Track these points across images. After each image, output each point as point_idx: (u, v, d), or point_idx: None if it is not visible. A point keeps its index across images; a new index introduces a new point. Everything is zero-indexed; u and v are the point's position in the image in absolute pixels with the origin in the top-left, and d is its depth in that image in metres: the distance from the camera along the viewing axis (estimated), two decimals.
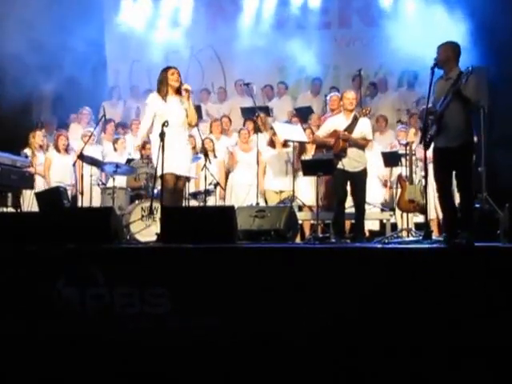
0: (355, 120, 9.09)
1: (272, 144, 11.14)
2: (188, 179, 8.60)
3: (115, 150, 11.97)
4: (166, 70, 8.48)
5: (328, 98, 11.33)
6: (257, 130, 11.14)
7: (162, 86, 8.42)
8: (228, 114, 13.05)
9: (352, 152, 9.07)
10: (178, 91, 8.44)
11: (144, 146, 11.04)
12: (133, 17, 14.92)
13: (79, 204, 10.82)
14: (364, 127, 9.18)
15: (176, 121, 8.26)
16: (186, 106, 8.36)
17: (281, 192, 10.99)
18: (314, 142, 10.23)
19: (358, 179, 9.07)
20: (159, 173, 8.09)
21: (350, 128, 9.08)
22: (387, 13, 13.88)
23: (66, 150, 11.58)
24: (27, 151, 11.14)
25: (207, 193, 10.36)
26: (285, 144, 10.95)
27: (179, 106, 8.35)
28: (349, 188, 9.16)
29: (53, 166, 11.36)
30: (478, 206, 8.40)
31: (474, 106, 7.24)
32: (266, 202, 10.99)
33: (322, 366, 5.65)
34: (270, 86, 13.79)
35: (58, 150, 11.49)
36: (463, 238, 6.79)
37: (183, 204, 9.25)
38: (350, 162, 9.03)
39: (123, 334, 6.03)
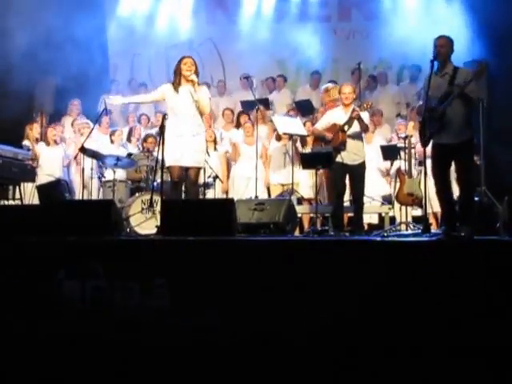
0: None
1: (278, 137, 11.16)
2: (199, 169, 8.50)
3: (112, 142, 11.99)
4: (180, 60, 8.44)
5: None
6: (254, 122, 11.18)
7: (175, 77, 8.42)
8: (232, 107, 13.02)
9: (351, 145, 9.06)
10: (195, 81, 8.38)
11: (146, 139, 11.11)
12: (133, 10, 14.93)
13: (78, 197, 10.86)
14: (364, 116, 9.12)
15: (186, 111, 8.28)
16: (196, 97, 8.32)
17: (282, 185, 11.02)
18: (312, 133, 10.23)
19: (357, 172, 9.07)
20: (167, 164, 8.17)
21: (350, 122, 9.06)
22: (387, 6, 13.87)
23: (56, 142, 11.57)
24: (27, 143, 11.15)
25: (206, 186, 10.39)
26: (291, 137, 10.97)
27: (190, 95, 8.29)
28: (347, 181, 9.18)
29: (41, 158, 11.29)
30: (476, 199, 8.41)
31: (475, 103, 7.25)
32: (270, 195, 11.03)
33: (321, 360, 5.68)
34: (271, 79, 13.77)
35: (47, 142, 11.48)
36: (463, 232, 6.82)
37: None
38: (348, 155, 9.03)
39: (123, 326, 6.05)
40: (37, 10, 11.41)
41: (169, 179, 9.60)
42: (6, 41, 11.37)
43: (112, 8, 15.00)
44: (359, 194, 9.11)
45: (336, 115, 9.29)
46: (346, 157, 9.00)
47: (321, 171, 10.07)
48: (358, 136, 9.12)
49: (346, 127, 9.02)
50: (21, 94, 11.81)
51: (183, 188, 8.53)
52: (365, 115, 9.19)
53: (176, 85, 8.36)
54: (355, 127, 9.07)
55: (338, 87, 10.87)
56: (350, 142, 9.04)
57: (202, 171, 9.76)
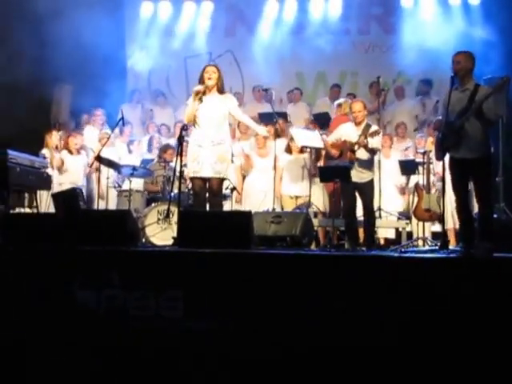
0: (365, 133, 9.01)
1: (289, 150, 11.13)
2: (221, 180, 8.34)
3: (130, 151, 11.99)
4: (203, 69, 8.35)
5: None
6: (276, 135, 11.11)
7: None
8: None
9: (359, 163, 9.05)
10: (219, 90, 8.31)
11: (165, 150, 11.10)
12: (153, 20, 14.98)
13: (96, 206, 10.85)
14: (373, 141, 9.08)
15: (207, 120, 8.19)
16: (225, 105, 8.26)
17: (296, 198, 10.98)
18: (324, 147, 10.15)
19: (365, 190, 9.08)
20: (188, 175, 8.14)
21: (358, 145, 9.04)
22: (406, 20, 13.84)
23: (79, 151, 11.59)
24: (45, 152, 11.17)
25: (223, 197, 10.34)
26: (301, 150, 10.95)
27: (213, 105, 8.20)
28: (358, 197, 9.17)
29: (65, 167, 11.31)
30: (495, 216, 8.35)
31: (492, 121, 7.20)
32: (282, 207, 10.98)
33: (333, 374, 5.67)
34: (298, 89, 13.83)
35: (69, 151, 11.48)
36: (481, 249, 6.76)
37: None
38: (357, 174, 9.00)
39: (137, 336, 6.04)
40: (54, 18, 11.43)
41: (186, 190, 9.59)
42: (22, 48, 11.39)
43: (132, 17, 15.08)
44: (369, 210, 9.12)
45: (347, 131, 9.24)
46: (355, 175, 8.97)
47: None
48: (366, 156, 9.08)
49: (355, 147, 8.99)
50: (38, 101, 11.84)
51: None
52: (375, 139, 9.08)
53: (200, 95, 8.22)
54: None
55: (349, 102, 10.91)
56: (358, 161, 9.02)
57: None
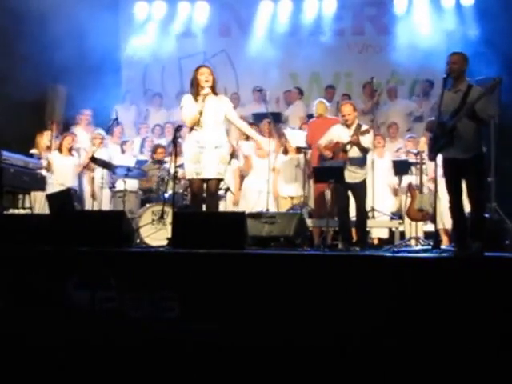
0: (357, 132, 9.06)
1: (285, 151, 11.15)
2: (220, 180, 8.31)
3: (123, 152, 11.98)
4: (196, 70, 8.26)
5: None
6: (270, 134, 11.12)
7: (192, 87, 8.24)
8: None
9: (351, 164, 9.09)
10: (214, 91, 8.25)
11: (155, 150, 11.12)
12: (148, 19, 14.99)
13: (89, 207, 10.84)
14: (365, 140, 9.13)
15: (209, 123, 8.11)
16: (222, 107, 8.24)
17: (291, 198, 11.00)
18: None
19: (358, 190, 9.12)
20: (188, 176, 8.15)
21: (351, 144, 9.08)
22: (400, 21, 13.88)
23: (70, 152, 11.58)
24: (34, 152, 11.14)
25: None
26: (298, 150, 10.96)
27: (212, 107, 8.14)
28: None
29: (54, 167, 11.20)
30: (487, 215, 8.38)
31: (485, 121, 7.23)
32: (277, 207, 11.02)
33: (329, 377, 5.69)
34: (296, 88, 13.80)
35: (60, 151, 11.39)
36: (473, 248, 6.80)
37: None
38: (349, 174, 9.03)
39: (132, 337, 6.06)
40: (48, 17, 11.43)
41: (180, 190, 9.57)
42: (17, 48, 11.38)
43: (126, 16, 15.08)
44: (360, 211, 9.15)
45: (338, 133, 9.27)
46: (347, 175, 9.00)
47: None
48: (358, 155, 9.13)
49: (348, 147, 9.03)
50: (32, 102, 11.82)
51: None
52: (366, 138, 9.14)
53: (195, 96, 8.15)
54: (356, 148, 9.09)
55: (323, 103, 10.91)
56: (350, 161, 9.06)
57: None
